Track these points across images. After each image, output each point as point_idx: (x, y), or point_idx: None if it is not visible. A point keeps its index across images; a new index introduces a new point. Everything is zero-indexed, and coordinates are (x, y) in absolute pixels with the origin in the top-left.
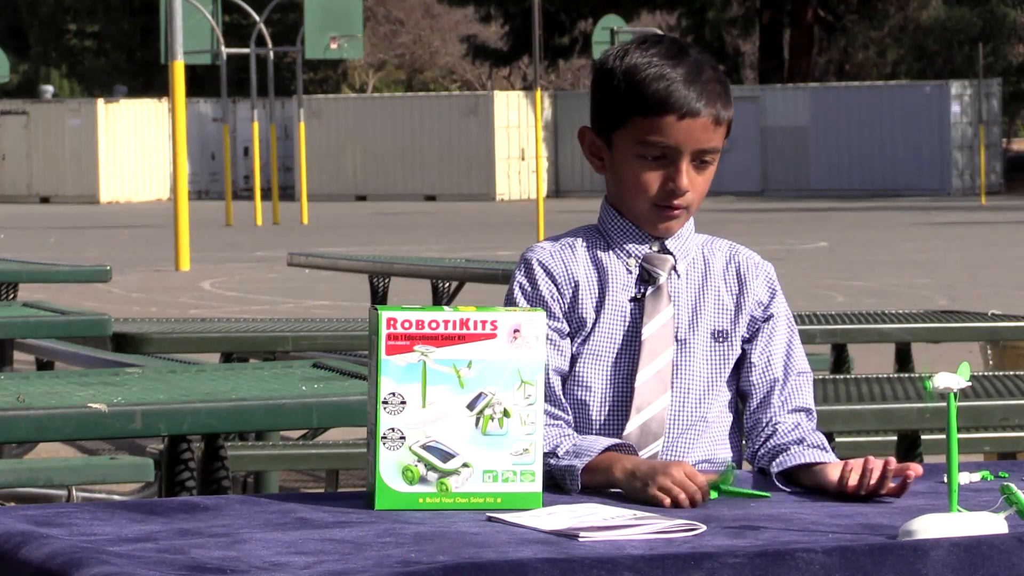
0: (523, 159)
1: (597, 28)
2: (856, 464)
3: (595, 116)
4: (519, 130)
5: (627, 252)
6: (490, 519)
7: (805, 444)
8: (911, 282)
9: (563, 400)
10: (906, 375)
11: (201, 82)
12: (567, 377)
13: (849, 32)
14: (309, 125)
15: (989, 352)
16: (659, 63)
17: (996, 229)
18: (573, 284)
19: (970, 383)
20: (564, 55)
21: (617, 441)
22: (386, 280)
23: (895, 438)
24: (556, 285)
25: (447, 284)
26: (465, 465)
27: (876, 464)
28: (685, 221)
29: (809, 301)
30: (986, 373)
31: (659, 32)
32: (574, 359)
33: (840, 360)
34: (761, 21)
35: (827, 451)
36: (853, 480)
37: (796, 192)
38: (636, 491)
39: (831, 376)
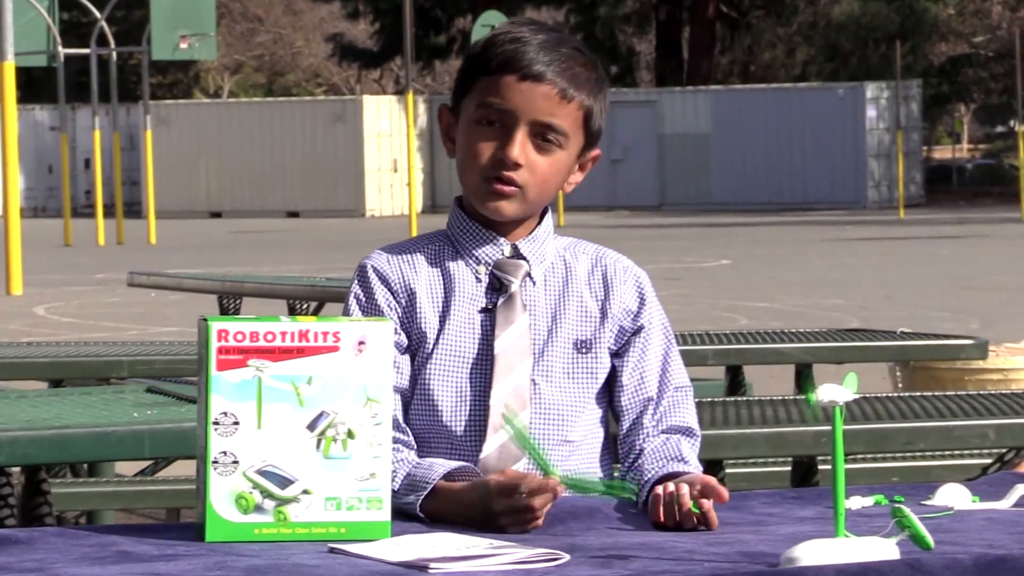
0: (396, 171)
1: (476, 25)
2: (659, 496)
3: (453, 93)
4: (391, 139)
5: (476, 258)
6: (332, 551)
7: (666, 459)
8: (821, 303)
9: (400, 421)
10: (803, 397)
11: (36, 87)
12: (408, 395)
13: (754, 30)
14: (157, 134)
15: (899, 374)
16: (522, 31)
17: (915, 245)
18: (409, 293)
19: (857, 395)
20: (441, 55)
21: (451, 468)
22: (238, 301)
23: (789, 466)
24: (392, 293)
25: (305, 305)
26: (305, 492)
27: (673, 494)
28: (521, 209)
29: (709, 324)
30: (891, 395)
31: None
32: (420, 374)
33: (735, 384)
34: (657, 18)
35: (683, 462)
36: (660, 515)
37: (697, 206)
38: (494, 530)
39: (721, 399)
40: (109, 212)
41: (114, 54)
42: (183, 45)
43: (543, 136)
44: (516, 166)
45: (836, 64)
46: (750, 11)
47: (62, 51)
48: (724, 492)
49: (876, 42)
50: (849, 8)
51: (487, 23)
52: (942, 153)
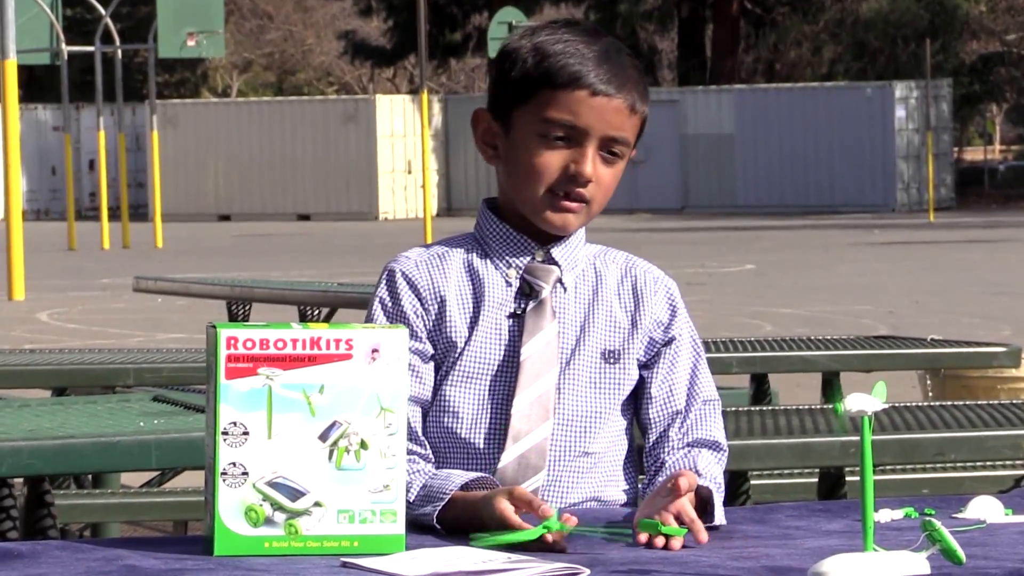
0: (410, 172)
1: (493, 23)
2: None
3: (494, 97)
4: (405, 139)
5: (507, 263)
6: (344, 565)
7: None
8: (849, 309)
9: (419, 434)
10: (830, 407)
11: (39, 85)
12: (428, 407)
13: (780, 27)
14: (164, 134)
15: (929, 383)
16: (573, 39)
17: (946, 249)
18: (439, 300)
19: (886, 404)
20: (456, 53)
21: (468, 479)
22: (247, 307)
23: (816, 478)
24: (420, 300)
25: (316, 311)
26: (317, 504)
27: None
28: (584, 221)
29: (733, 331)
30: (921, 404)
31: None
32: (442, 382)
33: (761, 393)
34: (680, 15)
35: (699, 476)
36: (642, 538)
37: (720, 209)
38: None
39: (745, 408)
40: (114, 215)
41: (119, 52)
42: (190, 42)
43: (609, 149)
44: (587, 181)
45: (864, 63)
46: (775, 8)
47: (65, 49)
48: (684, 483)
49: (905, 40)
50: (877, 5)
51: (504, 20)
52: (973, 154)
